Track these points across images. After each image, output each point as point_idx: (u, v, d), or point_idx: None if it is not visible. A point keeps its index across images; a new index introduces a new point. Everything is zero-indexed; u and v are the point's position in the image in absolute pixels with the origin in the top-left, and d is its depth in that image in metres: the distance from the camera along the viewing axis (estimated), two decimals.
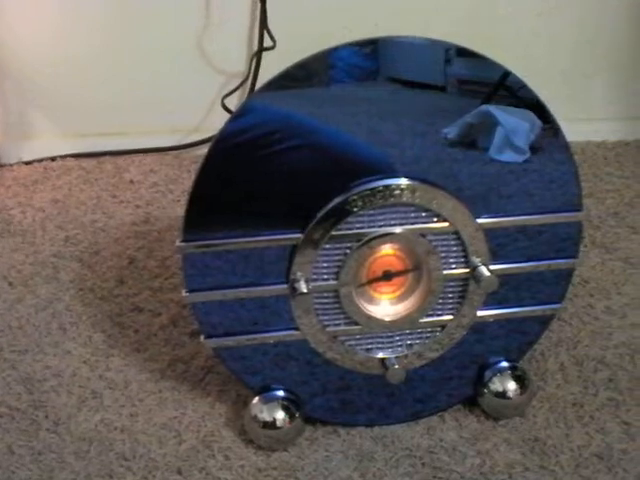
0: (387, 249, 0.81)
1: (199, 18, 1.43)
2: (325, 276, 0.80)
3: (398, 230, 0.79)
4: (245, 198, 0.78)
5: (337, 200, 0.77)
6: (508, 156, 0.81)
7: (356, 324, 0.82)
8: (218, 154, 0.76)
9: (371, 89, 0.78)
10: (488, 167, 0.80)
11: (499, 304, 0.85)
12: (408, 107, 0.78)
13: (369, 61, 0.77)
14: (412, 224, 0.79)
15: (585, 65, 1.54)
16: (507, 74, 0.78)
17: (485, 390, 0.87)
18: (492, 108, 0.79)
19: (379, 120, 0.77)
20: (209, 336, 0.82)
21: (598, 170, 1.42)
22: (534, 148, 0.81)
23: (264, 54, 1.40)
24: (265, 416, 0.83)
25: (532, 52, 1.50)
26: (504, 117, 0.79)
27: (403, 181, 0.77)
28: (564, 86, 1.53)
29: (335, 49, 0.76)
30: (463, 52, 0.78)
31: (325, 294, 0.81)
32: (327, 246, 0.78)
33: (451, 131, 0.79)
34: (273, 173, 0.77)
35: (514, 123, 0.80)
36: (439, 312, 0.83)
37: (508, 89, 0.79)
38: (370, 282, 0.82)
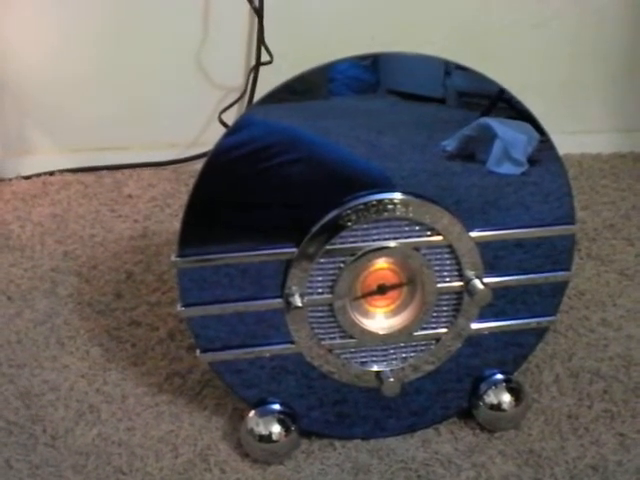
0: (381, 263, 0.81)
1: (197, 33, 1.44)
2: (320, 290, 0.80)
3: (392, 244, 0.79)
4: (240, 213, 0.78)
5: (331, 214, 0.78)
6: (506, 168, 0.81)
7: (351, 337, 0.82)
8: (213, 169, 0.76)
9: (370, 102, 0.79)
10: (486, 180, 0.81)
11: (494, 316, 0.85)
12: (407, 120, 0.79)
13: (369, 74, 0.78)
14: (406, 238, 0.80)
15: (580, 78, 1.55)
16: (502, 91, 0.78)
17: (480, 402, 0.87)
18: (491, 120, 0.79)
19: (378, 133, 0.78)
20: (205, 350, 0.82)
21: (594, 182, 1.42)
22: (531, 161, 0.81)
23: (261, 69, 1.41)
24: (261, 430, 0.83)
25: (528, 64, 1.51)
26: (503, 129, 0.80)
27: (397, 195, 0.78)
28: (560, 98, 1.54)
29: (334, 63, 0.76)
30: (461, 66, 0.78)
31: (320, 308, 0.81)
32: (322, 260, 0.79)
33: (450, 144, 0.79)
34: (268, 188, 0.77)
35: (512, 136, 0.80)
36: (434, 325, 0.84)
37: (507, 101, 0.79)
38: (365, 296, 0.82)
